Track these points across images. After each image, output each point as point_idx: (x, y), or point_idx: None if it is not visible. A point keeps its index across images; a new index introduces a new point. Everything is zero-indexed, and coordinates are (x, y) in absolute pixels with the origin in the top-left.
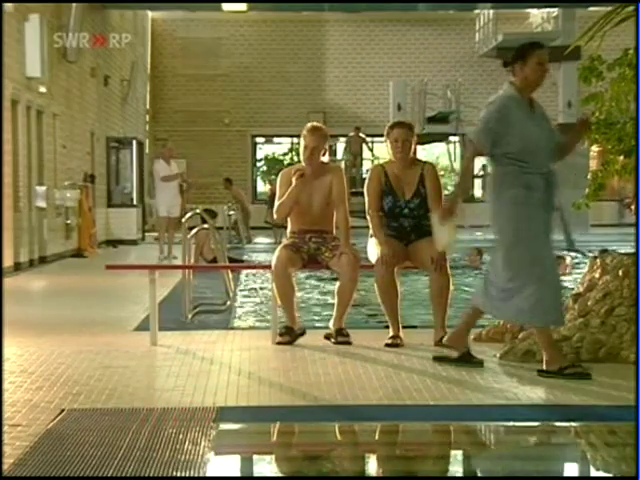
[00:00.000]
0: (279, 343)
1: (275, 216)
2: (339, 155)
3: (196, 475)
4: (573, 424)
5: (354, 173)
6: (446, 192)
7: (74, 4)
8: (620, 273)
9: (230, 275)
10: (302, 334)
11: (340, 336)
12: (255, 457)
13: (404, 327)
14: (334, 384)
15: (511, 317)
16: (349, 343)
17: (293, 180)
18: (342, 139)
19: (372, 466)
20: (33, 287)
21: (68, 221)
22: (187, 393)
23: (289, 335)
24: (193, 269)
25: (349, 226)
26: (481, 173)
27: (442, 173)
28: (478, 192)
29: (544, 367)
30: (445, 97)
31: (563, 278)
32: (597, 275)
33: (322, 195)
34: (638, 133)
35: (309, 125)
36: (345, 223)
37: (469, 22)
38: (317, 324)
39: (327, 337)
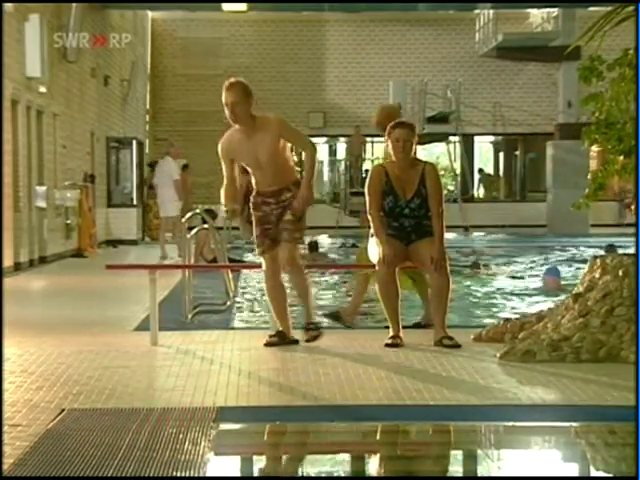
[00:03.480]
0: (267, 344)
1: (223, 202)
2: (340, 155)
3: (196, 475)
4: (573, 424)
5: (356, 174)
6: (446, 192)
7: (74, 4)
8: (620, 273)
9: (230, 275)
10: (294, 342)
11: (309, 331)
12: (255, 457)
13: (404, 327)
14: (334, 384)
15: None
16: (317, 337)
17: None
18: (342, 139)
19: (372, 466)
20: (33, 287)
21: (68, 221)
22: (187, 393)
23: (278, 337)
24: (193, 269)
25: (314, 164)
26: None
27: (442, 173)
28: (478, 193)
29: None
30: (445, 97)
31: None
32: (597, 275)
33: (266, 148)
34: (638, 133)
35: (226, 82)
36: (311, 161)
37: (469, 22)
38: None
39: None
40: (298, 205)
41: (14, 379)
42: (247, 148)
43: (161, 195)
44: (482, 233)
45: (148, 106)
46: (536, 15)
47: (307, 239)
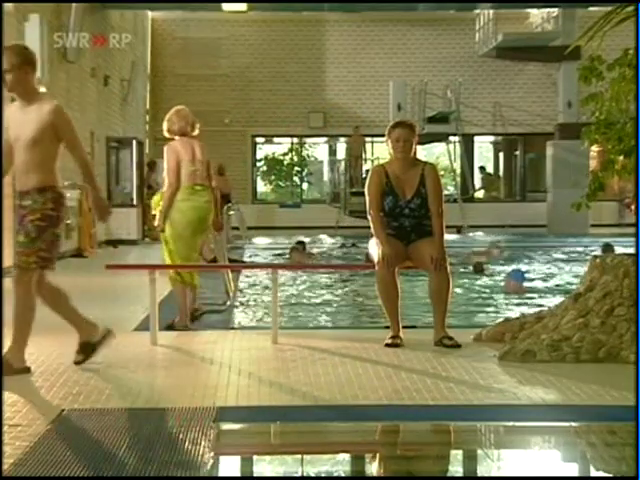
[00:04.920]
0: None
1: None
2: (340, 155)
3: (196, 475)
4: (573, 424)
5: (356, 174)
6: (446, 192)
7: (74, 4)
8: (620, 273)
9: (230, 275)
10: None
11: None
12: (255, 457)
13: (404, 327)
14: (334, 384)
15: None
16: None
17: None
18: (342, 139)
19: (372, 466)
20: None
21: (68, 221)
22: (187, 393)
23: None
24: (193, 269)
25: (89, 168)
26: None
27: (442, 173)
28: (478, 193)
29: None
30: (445, 97)
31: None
32: (597, 275)
33: (32, 129)
34: (638, 133)
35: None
36: (85, 168)
37: (469, 22)
38: (322, 323)
39: None
40: (100, 218)
41: (14, 379)
42: (16, 121)
43: None
44: (479, 233)
45: (148, 106)
46: (536, 15)
47: (297, 238)
